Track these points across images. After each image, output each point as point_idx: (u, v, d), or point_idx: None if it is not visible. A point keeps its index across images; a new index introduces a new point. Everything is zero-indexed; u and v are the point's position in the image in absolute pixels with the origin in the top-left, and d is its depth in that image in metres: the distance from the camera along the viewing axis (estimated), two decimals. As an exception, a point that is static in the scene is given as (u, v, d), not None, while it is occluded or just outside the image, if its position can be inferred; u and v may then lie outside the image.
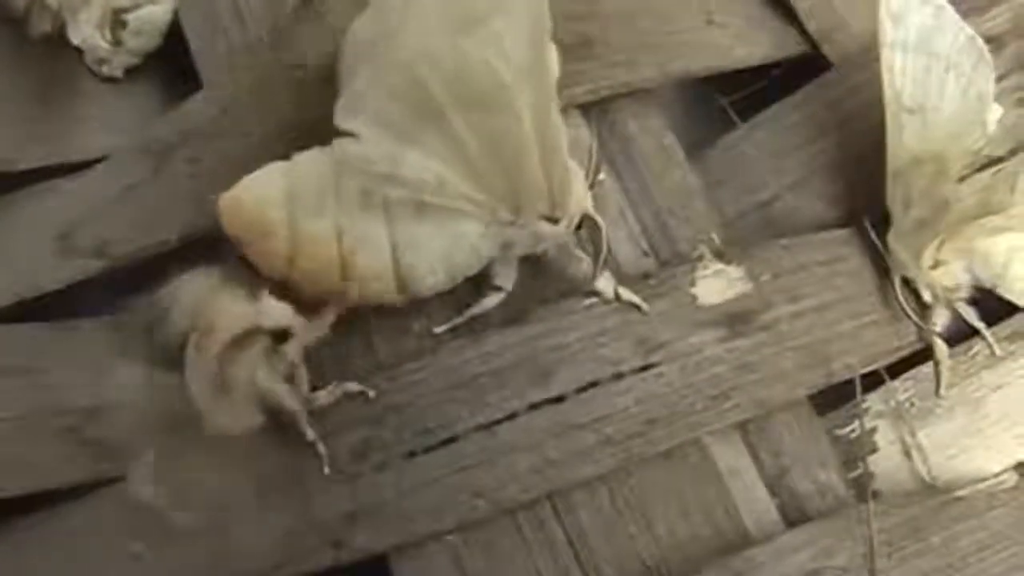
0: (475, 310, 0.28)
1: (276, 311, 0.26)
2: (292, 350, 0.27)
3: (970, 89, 0.29)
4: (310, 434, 0.27)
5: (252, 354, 0.26)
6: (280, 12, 0.31)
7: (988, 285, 0.29)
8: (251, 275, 0.26)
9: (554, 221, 0.27)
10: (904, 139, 0.28)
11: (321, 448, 0.27)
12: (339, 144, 0.25)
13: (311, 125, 0.28)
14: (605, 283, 0.28)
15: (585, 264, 0.28)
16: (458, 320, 0.28)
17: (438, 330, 0.28)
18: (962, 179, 0.28)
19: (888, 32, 0.28)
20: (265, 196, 0.26)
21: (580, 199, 0.27)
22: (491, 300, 0.28)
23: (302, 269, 0.26)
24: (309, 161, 0.26)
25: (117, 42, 0.31)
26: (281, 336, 0.27)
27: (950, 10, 0.29)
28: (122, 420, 0.28)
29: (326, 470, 0.27)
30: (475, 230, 0.26)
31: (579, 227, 0.28)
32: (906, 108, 0.28)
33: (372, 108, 0.25)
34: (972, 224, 0.28)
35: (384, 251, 0.26)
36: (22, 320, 0.29)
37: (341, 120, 0.25)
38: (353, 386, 0.27)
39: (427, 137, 0.25)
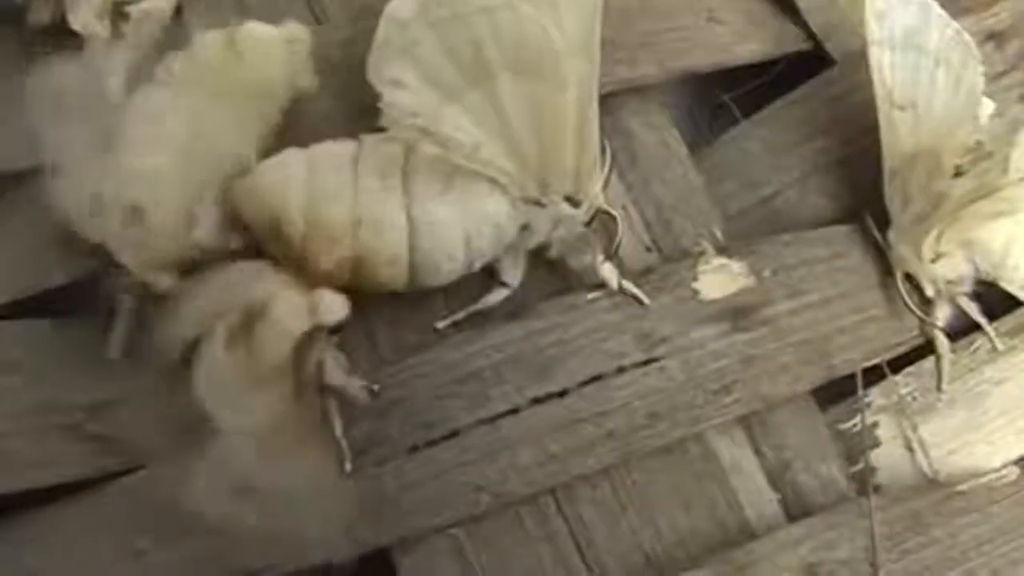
0: (479, 306, 0.29)
1: (337, 305, 0.27)
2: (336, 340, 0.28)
3: (960, 84, 0.30)
4: (339, 427, 0.28)
5: (315, 348, 0.27)
6: (283, 8, 0.33)
7: (989, 277, 0.31)
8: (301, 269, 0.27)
9: (575, 205, 0.29)
10: (898, 136, 0.30)
11: (344, 444, 0.28)
12: (385, 91, 0.27)
13: (316, 122, 0.30)
14: (610, 273, 0.30)
15: (591, 256, 0.30)
16: (459, 315, 0.29)
17: (439, 325, 0.29)
18: (958, 174, 0.30)
19: (875, 31, 0.30)
20: (282, 181, 0.27)
21: (597, 192, 0.29)
22: (496, 296, 0.29)
23: (315, 254, 0.27)
24: (326, 149, 0.28)
25: (118, 34, 0.33)
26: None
27: (935, 6, 0.31)
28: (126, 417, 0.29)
29: (348, 466, 0.28)
30: (501, 208, 0.28)
31: (589, 222, 0.29)
32: (897, 105, 0.30)
33: (423, 60, 0.27)
34: (969, 210, 0.29)
35: (402, 235, 0.27)
36: (22, 317, 0.30)
37: (388, 67, 0.27)
38: (357, 381, 0.29)
39: (471, 98, 0.27)
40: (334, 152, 0.28)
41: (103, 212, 0.27)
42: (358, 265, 0.27)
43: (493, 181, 0.28)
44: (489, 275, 0.29)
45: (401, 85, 0.27)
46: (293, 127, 0.30)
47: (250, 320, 0.26)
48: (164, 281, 0.27)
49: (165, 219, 0.27)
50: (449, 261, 0.28)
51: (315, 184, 0.27)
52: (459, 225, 0.27)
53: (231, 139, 0.28)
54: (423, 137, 0.27)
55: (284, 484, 0.27)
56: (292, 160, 0.28)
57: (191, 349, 0.26)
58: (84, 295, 0.30)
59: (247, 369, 0.26)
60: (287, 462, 0.27)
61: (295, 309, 0.27)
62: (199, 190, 0.27)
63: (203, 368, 0.26)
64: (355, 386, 0.28)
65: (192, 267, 0.28)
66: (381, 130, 0.28)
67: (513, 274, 0.29)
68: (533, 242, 0.29)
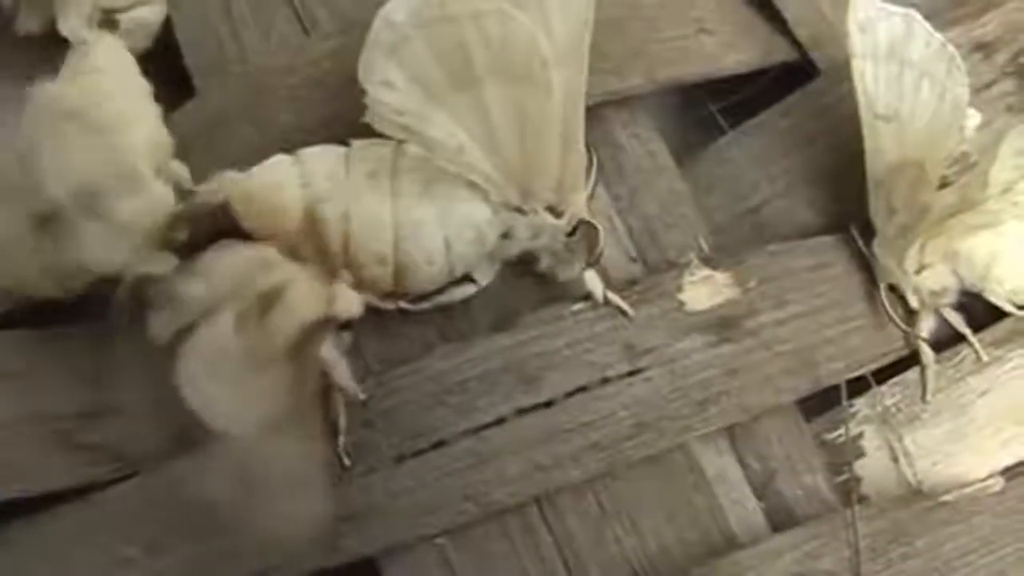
0: (444, 298, 0.29)
1: (352, 300, 0.27)
2: (346, 340, 0.29)
3: (945, 95, 0.30)
4: (343, 421, 0.29)
5: (321, 340, 0.27)
6: (271, 19, 0.33)
7: (973, 288, 0.31)
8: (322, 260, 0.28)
9: (557, 215, 0.29)
10: (882, 148, 0.30)
11: (341, 441, 0.29)
12: (372, 89, 0.27)
13: (305, 133, 0.30)
14: (594, 284, 0.30)
15: (575, 269, 0.30)
16: (425, 305, 0.29)
17: (402, 304, 0.29)
18: (943, 185, 0.30)
19: (857, 43, 0.30)
20: (275, 184, 0.28)
21: (580, 202, 0.29)
22: (463, 291, 0.30)
23: (309, 253, 0.28)
24: (317, 152, 0.28)
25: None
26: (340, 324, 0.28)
27: (919, 18, 0.31)
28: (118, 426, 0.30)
29: (347, 462, 0.29)
30: (481, 213, 0.28)
31: (571, 233, 0.30)
32: (881, 117, 0.30)
33: (410, 61, 0.27)
34: (952, 222, 0.29)
35: (387, 234, 0.28)
36: (13, 327, 0.30)
37: (378, 67, 0.27)
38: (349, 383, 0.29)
39: (456, 101, 0.27)
40: (325, 155, 0.28)
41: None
42: (350, 262, 0.28)
43: (474, 186, 0.28)
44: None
45: (388, 85, 0.27)
46: (283, 135, 0.30)
47: (266, 304, 0.27)
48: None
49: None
50: (429, 264, 0.28)
51: (308, 184, 0.28)
52: (438, 227, 0.28)
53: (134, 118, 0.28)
54: (407, 136, 0.28)
55: (271, 480, 0.27)
56: (284, 164, 0.28)
57: (188, 329, 0.27)
58: (75, 305, 0.30)
59: (251, 352, 0.26)
60: (277, 460, 0.27)
61: (310, 297, 0.27)
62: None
63: (201, 347, 0.26)
64: (354, 387, 0.29)
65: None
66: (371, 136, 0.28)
67: (483, 274, 0.30)
68: (514, 250, 0.29)
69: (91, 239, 0.27)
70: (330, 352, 0.28)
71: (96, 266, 0.28)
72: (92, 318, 0.30)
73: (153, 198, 0.28)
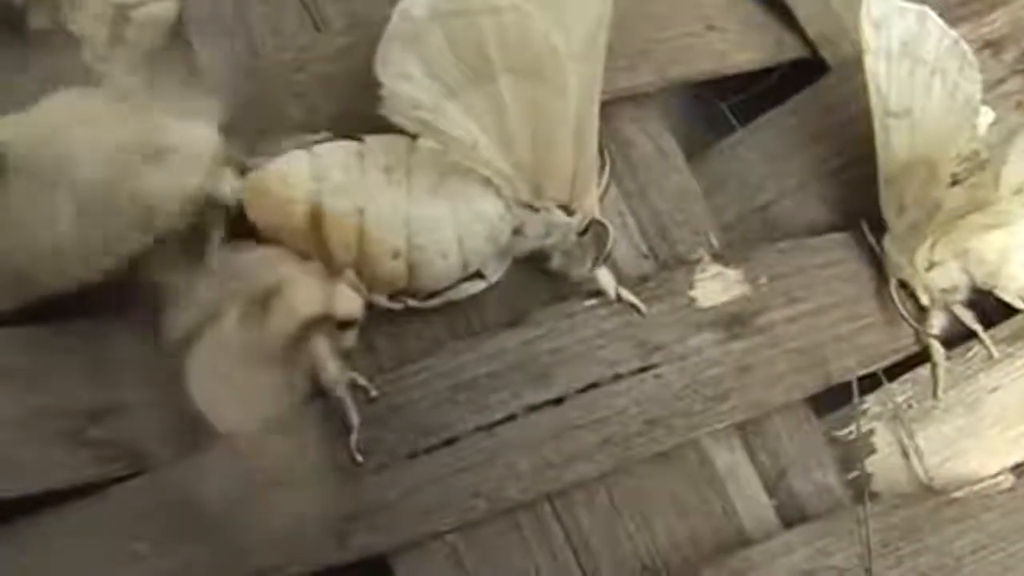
0: (453, 294, 0.29)
1: (351, 301, 0.28)
2: (350, 339, 0.29)
3: (957, 93, 0.30)
4: (354, 419, 0.29)
5: (317, 338, 0.28)
6: (282, 17, 0.33)
7: (984, 286, 0.31)
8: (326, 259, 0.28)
9: (569, 213, 0.29)
10: (893, 145, 0.30)
11: (353, 439, 0.29)
12: (388, 81, 0.27)
13: (314, 130, 0.30)
14: (607, 281, 0.30)
15: (586, 267, 0.30)
16: (434, 301, 0.29)
17: (411, 302, 0.29)
18: (955, 183, 0.30)
19: (871, 39, 0.30)
20: (290, 177, 0.28)
21: (592, 201, 0.29)
22: (472, 286, 0.30)
23: (322, 247, 0.28)
24: (331, 147, 0.28)
25: (119, 39, 0.33)
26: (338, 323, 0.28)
27: (932, 15, 0.31)
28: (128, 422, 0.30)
29: (359, 459, 0.29)
30: (494, 209, 0.28)
31: (583, 232, 0.30)
32: (893, 114, 0.30)
33: (427, 55, 0.27)
34: (962, 222, 0.29)
35: (401, 228, 0.28)
36: (23, 323, 0.30)
37: (394, 60, 0.27)
38: (359, 379, 0.29)
39: (471, 96, 0.27)
40: (338, 150, 0.28)
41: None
42: (364, 257, 0.28)
43: (487, 181, 0.28)
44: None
45: (405, 77, 0.27)
46: (293, 131, 0.30)
47: (267, 298, 0.27)
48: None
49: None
50: (443, 259, 0.28)
51: (321, 178, 0.28)
52: (451, 222, 0.28)
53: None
54: (422, 129, 0.28)
55: (274, 478, 0.27)
56: (297, 158, 0.28)
57: (199, 327, 0.27)
58: (83, 302, 0.30)
59: (252, 350, 0.27)
60: (279, 456, 0.27)
61: (309, 294, 0.27)
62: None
63: (208, 346, 0.26)
64: (340, 375, 0.29)
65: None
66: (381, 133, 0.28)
67: (493, 270, 0.30)
68: (525, 247, 0.30)
69: (157, 179, 0.27)
70: (323, 350, 0.28)
71: (171, 198, 0.27)
72: (100, 315, 0.30)
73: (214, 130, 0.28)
